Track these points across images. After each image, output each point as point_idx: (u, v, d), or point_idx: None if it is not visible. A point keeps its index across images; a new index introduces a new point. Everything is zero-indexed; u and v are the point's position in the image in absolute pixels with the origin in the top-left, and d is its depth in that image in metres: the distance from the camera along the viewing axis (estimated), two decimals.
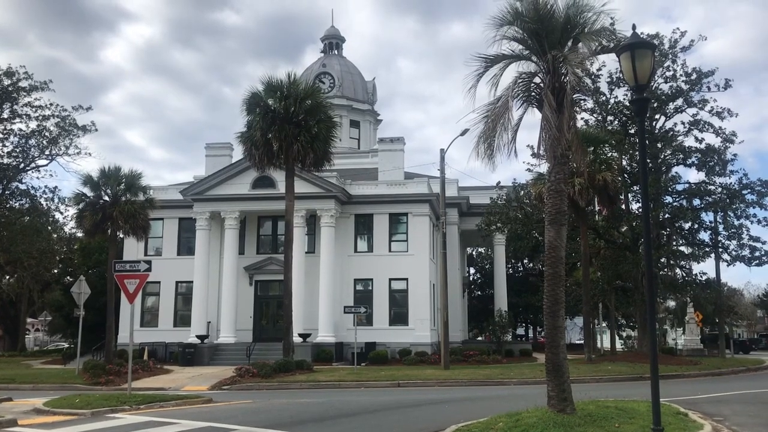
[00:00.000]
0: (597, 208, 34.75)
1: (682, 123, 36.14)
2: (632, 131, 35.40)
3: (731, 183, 35.73)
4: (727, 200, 35.20)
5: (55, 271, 54.31)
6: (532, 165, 35.86)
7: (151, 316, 40.60)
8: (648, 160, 31.93)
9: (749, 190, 35.31)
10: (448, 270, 33.58)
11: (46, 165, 46.23)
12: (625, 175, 35.91)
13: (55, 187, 57.25)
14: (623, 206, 36.64)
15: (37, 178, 62.38)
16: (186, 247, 40.63)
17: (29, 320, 67.13)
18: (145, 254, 39.36)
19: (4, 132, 43.43)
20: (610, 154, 34.99)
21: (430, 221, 39.52)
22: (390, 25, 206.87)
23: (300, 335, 34.00)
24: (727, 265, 37.89)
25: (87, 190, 32.58)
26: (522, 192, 37.01)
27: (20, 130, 43.78)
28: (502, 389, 23.11)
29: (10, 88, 42.17)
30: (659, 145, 35.84)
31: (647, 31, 36.78)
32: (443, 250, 32.43)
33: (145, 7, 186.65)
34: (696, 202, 36.19)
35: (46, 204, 47.00)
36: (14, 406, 18.17)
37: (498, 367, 31.09)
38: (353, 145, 52.82)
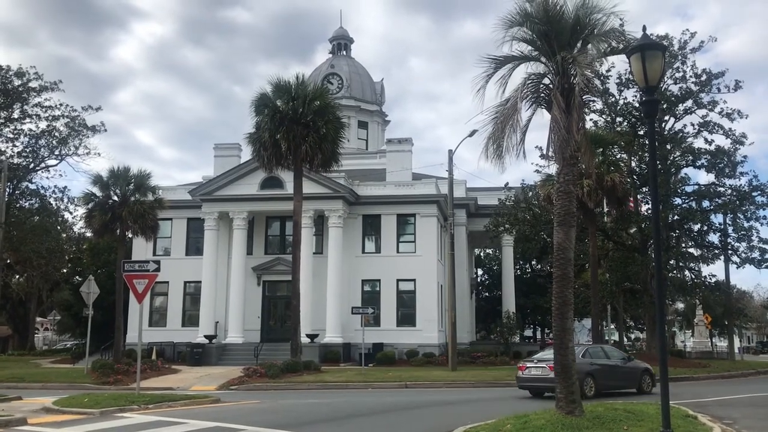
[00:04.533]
0: (606, 209, 34.65)
1: (692, 124, 36.01)
2: (641, 132, 35.26)
3: (741, 185, 35.56)
4: (737, 202, 35.00)
5: (64, 270, 54.57)
6: (540, 166, 35.80)
7: (160, 316, 40.76)
8: (657, 162, 31.79)
9: (759, 192, 35.10)
10: (456, 271, 33.55)
11: (56, 165, 46.78)
12: (634, 177, 35.77)
13: (65, 187, 57.82)
14: (632, 208, 36.50)
15: (47, 178, 62.91)
16: (194, 247, 40.78)
17: (38, 319, 67.41)
18: (154, 254, 39.48)
19: (15, 132, 43.85)
20: (619, 156, 34.89)
21: (438, 222, 39.49)
22: (401, 23, 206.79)
23: (308, 336, 34.05)
24: (737, 267, 37.72)
25: (96, 190, 32.77)
26: (530, 193, 36.95)
27: (30, 130, 44.28)
28: (510, 391, 23.03)
29: (20, 89, 42.52)
30: (668, 147, 35.69)
31: (661, 31, 36.73)
32: (451, 251, 32.41)
33: (157, 6, 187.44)
34: (705, 203, 35.99)
35: (56, 204, 47.45)
36: (24, 405, 18.28)
37: (506, 369, 30.92)
38: (361, 146, 52.94)
